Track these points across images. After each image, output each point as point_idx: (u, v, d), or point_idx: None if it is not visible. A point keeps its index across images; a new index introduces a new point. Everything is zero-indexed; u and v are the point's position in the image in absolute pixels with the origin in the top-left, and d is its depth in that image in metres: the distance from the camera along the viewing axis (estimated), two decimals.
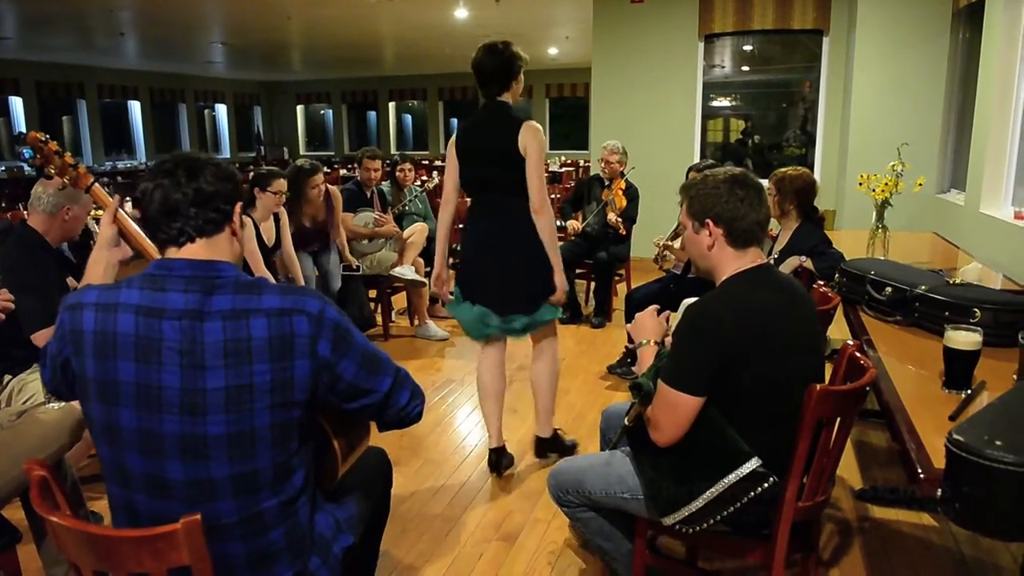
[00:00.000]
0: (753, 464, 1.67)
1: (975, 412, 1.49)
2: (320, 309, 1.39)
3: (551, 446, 3.34)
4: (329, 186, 4.93)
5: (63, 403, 2.14)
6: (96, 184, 2.01)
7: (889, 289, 2.55)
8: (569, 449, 3.36)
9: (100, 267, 1.75)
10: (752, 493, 1.68)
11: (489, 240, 3.02)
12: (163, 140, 17.12)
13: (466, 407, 4.01)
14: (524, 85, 3.10)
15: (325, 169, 5.27)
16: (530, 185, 2.91)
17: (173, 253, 1.41)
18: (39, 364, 1.52)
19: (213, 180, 1.41)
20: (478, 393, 3.26)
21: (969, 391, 1.80)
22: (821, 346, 1.87)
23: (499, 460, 3.21)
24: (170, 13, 9.72)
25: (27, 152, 2.03)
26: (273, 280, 3.95)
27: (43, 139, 2.00)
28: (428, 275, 5.39)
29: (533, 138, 2.86)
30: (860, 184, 3.53)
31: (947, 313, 2.29)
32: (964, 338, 1.80)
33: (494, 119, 2.96)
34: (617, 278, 5.90)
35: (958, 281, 2.54)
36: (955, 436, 1.25)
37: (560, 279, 3.03)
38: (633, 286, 5.29)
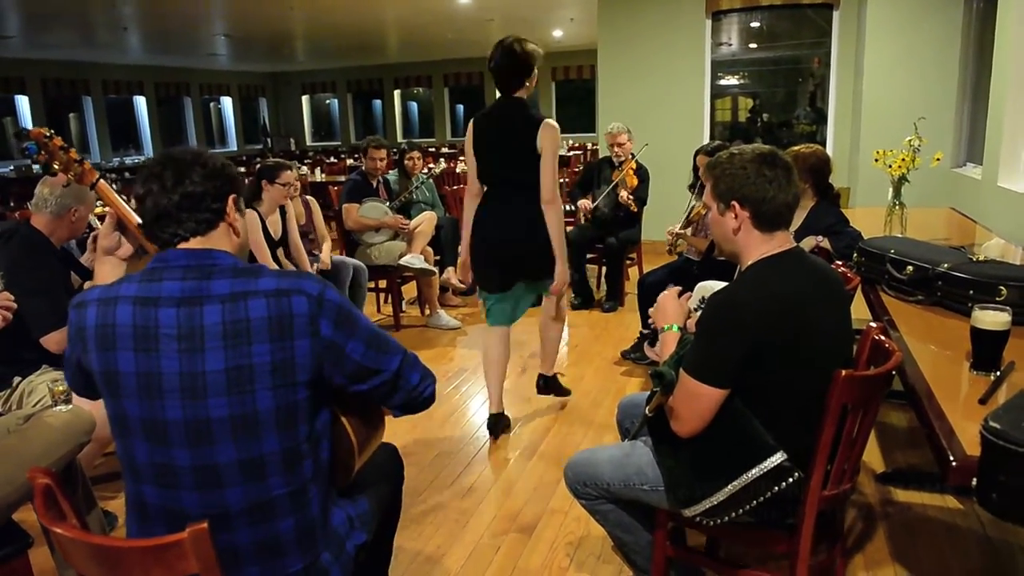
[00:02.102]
0: (778, 458, 1.62)
1: (1010, 397, 1.43)
2: (319, 291, 1.38)
3: (550, 384, 3.68)
4: (309, 198, 4.96)
5: (71, 406, 2.12)
6: (102, 180, 1.99)
7: (910, 268, 2.49)
8: (563, 392, 3.74)
9: (107, 267, 1.73)
10: (776, 488, 1.63)
11: (503, 233, 3.18)
12: (170, 134, 17.11)
13: (479, 396, 3.97)
14: None
15: (332, 159, 5.24)
16: (543, 179, 3.09)
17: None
18: (65, 373, 1.53)
19: (200, 180, 1.40)
20: (483, 362, 3.46)
21: (998, 372, 1.74)
22: (852, 333, 1.80)
23: (496, 424, 3.43)
24: (172, 6, 9.66)
25: (32, 148, 2.00)
26: None
27: (47, 135, 1.97)
28: (437, 264, 5.37)
29: (551, 138, 3.05)
30: (876, 160, 3.45)
31: (972, 292, 2.22)
32: (992, 318, 1.74)
33: (512, 116, 3.11)
34: (628, 262, 5.84)
35: (981, 258, 2.46)
36: (991, 423, 1.19)
37: (562, 269, 3.24)
38: (645, 270, 5.24)
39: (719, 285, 1.89)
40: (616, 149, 5.39)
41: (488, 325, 3.40)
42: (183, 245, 1.40)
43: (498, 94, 3.20)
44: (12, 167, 13.19)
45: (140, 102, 16.46)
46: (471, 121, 3.24)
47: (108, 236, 1.74)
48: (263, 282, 1.35)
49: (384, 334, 1.50)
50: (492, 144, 3.14)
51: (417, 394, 1.56)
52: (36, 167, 11.72)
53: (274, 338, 1.32)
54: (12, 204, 8.50)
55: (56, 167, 1.96)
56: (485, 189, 3.25)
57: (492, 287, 3.30)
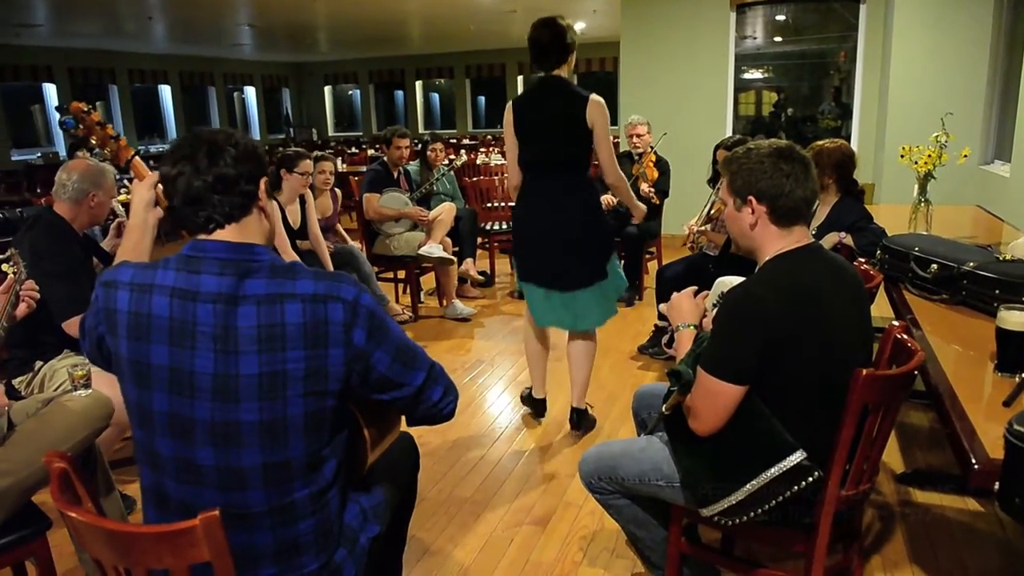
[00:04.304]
0: (797, 457, 1.59)
1: None
2: (355, 296, 1.35)
3: (584, 419, 3.40)
4: (337, 190, 5.09)
5: (91, 390, 2.14)
6: (137, 157, 2.00)
7: (935, 266, 2.45)
8: (591, 424, 3.46)
9: (139, 231, 1.72)
10: (796, 487, 1.61)
11: (554, 216, 3.05)
12: (194, 123, 17.22)
13: (496, 388, 3.97)
14: None
15: (353, 150, 5.30)
16: (602, 159, 3.03)
17: (204, 238, 1.37)
18: (79, 336, 1.51)
19: (233, 162, 1.36)
20: (526, 354, 3.47)
21: (1023, 374, 1.71)
22: (871, 331, 1.78)
23: (539, 407, 3.52)
24: None
25: (69, 122, 2.03)
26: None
27: (86, 109, 1.99)
28: (456, 254, 5.37)
29: (601, 112, 2.95)
30: (902, 156, 3.40)
31: (998, 291, 2.18)
32: (1019, 318, 1.71)
33: (555, 93, 2.99)
34: (648, 255, 5.81)
35: (1008, 257, 2.42)
36: (1016, 426, 1.17)
37: (638, 207, 3.36)
38: (664, 263, 5.21)
39: (738, 281, 1.87)
40: (635, 140, 5.37)
41: (526, 313, 3.33)
42: (220, 234, 1.36)
43: (519, 81, 3.16)
44: (39, 154, 13.37)
45: (165, 91, 16.58)
46: (509, 105, 3.09)
47: (149, 188, 1.70)
48: (300, 284, 1.32)
49: (412, 346, 1.46)
50: (535, 125, 3.01)
51: (437, 411, 1.53)
52: (64, 155, 11.73)
53: (308, 345, 1.30)
54: (39, 190, 8.63)
55: (93, 141, 1.99)
56: (528, 177, 3.10)
57: (537, 276, 3.14)
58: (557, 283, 3.11)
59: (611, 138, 3.01)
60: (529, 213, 3.12)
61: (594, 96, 2.93)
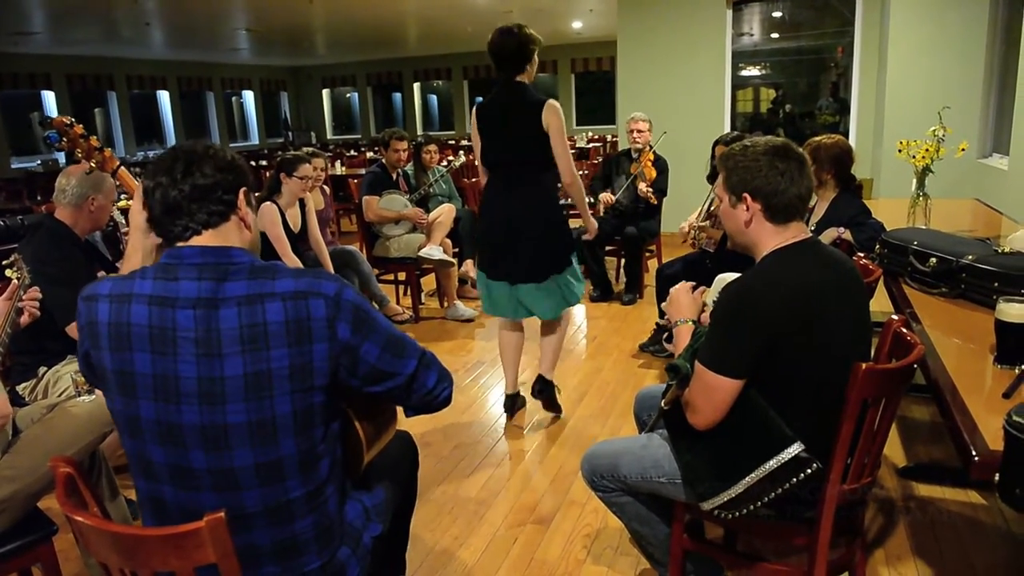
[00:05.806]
0: (796, 449, 1.60)
1: None
2: (337, 291, 1.35)
3: (545, 390, 3.51)
4: (326, 187, 5.21)
5: (94, 396, 2.15)
6: (122, 168, 2.01)
7: (934, 260, 2.45)
8: (555, 407, 3.57)
9: (138, 256, 1.74)
10: (795, 479, 1.61)
11: (507, 212, 3.20)
12: (193, 129, 17.24)
13: (498, 388, 3.97)
14: (549, 60, 3.23)
15: (352, 152, 5.36)
16: (559, 161, 3.13)
17: (181, 245, 1.38)
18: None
19: (211, 172, 1.37)
20: (499, 344, 3.52)
21: (1023, 366, 1.72)
22: (870, 325, 1.78)
23: (513, 404, 3.53)
24: (194, 1, 9.73)
25: (53, 136, 2.04)
26: (301, 267, 3.94)
27: (68, 123, 2.01)
28: (456, 255, 5.38)
29: (555, 116, 3.07)
30: (899, 151, 3.40)
31: (997, 284, 2.19)
32: (1018, 310, 1.72)
33: (514, 100, 3.13)
34: (648, 254, 5.82)
35: (1007, 250, 2.43)
36: (1015, 418, 1.17)
37: (590, 222, 3.54)
38: (664, 262, 5.22)
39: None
40: (635, 135, 5.38)
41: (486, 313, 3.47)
42: (196, 240, 1.37)
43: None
44: (39, 161, 13.39)
45: (163, 96, 16.61)
46: (474, 110, 3.28)
47: (140, 211, 1.73)
48: (280, 283, 1.33)
49: (401, 336, 1.47)
50: (496, 128, 3.18)
51: (431, 397, 1.53)
52: (63, 163, 11.82)
53: (292, 343, 1.30)
54: (39, 198, 8.65)
55: (79, 154, 2.00)
56: (489, 173, 3.29)
57: (491, 268, 3.33)
58: (505, 275, 3.28)
59: (567, 141, 3.15)
60: (487, 208, 3.31)
61: (550, 101, 3.08)
